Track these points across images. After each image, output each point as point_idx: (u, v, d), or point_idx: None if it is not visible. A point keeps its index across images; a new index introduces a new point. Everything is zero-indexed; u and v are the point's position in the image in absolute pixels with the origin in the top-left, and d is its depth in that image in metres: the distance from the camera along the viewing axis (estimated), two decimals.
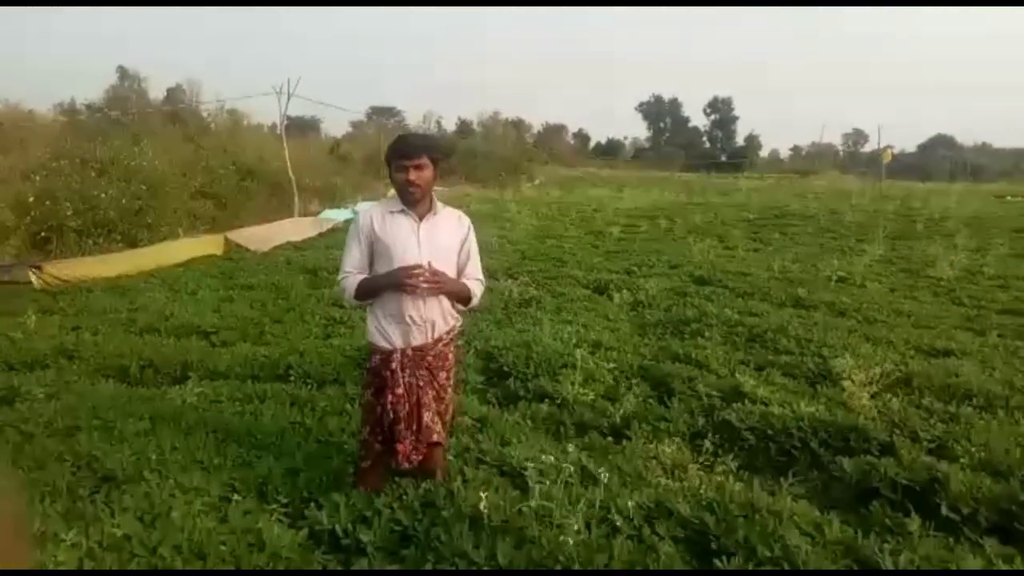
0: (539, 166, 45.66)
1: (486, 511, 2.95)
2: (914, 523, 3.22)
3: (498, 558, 2.67)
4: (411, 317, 3.10)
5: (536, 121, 71.15)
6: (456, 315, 3.32)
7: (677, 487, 3.54)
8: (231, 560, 2.74)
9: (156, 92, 40.81)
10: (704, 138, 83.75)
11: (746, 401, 4.75)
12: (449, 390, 3.30)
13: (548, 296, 8.61)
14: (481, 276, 3.38)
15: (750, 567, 2.64)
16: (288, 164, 17.37)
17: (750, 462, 4.16)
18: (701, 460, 4.00)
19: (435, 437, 3.16)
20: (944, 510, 3.38)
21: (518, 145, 49.40)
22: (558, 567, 2.59)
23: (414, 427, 3.12)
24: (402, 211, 3.15)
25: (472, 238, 3.35)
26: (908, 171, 57.74)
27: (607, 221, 17.69)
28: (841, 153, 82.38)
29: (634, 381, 5.42)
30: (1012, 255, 12.61)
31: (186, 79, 47.12)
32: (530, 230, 15.61)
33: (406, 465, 3.15)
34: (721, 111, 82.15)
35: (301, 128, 37.74)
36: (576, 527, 2.86)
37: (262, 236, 13.38)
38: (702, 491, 3.43)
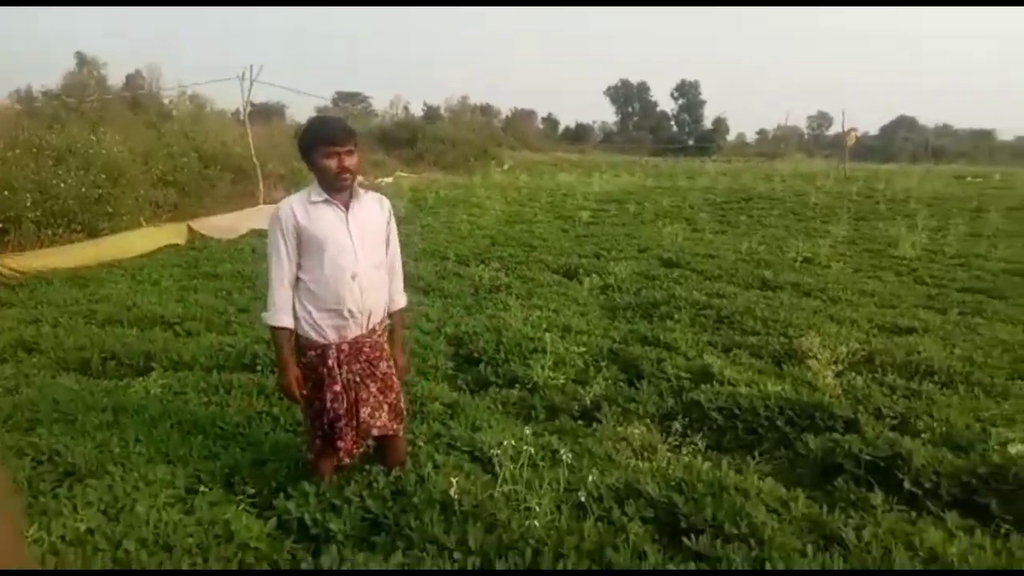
0: (508, 151, 45.48)
1: (456, 496, 2.94)
2: (877, 498, 3.28)
3: (469, 543, 2.67)
4: (350, 311, 3.00)
5: (504, 106, 70.90)
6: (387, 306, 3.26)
7: (646, 468, 3.56)
8: (198, 552, 2.70)
9: (115, 79, 39.85)
10: (672, 122, 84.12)
11: (714, 382, 4.80)
12: (395, 379, 3.22)
13: (518, 281, 8.60)
14: (400, 269, 3.33)
15: (718, 544, 2.67)
16: (252, 150, 17.09)
17: (718, 441, 4.21)
18: (670, 441, 4.03)
19: (376, 431, 3.11)
20: (907, 484, 3.44)
21: (486, 130, 49.13)
22: (528, 550, 2.60)
23: (353, 423, 3.07)
24: (325, 200, 2.99)
25: (393, 224, 3.26)
26: (871, 153, 58.67)
27: (576, 206, 17.71)
28: (806, 136, 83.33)
29: (604, 364, 5.45)
30: (971, 234, 12.89)
31: (146, 65, 46.11)
32: (499, 216, 15.57)
33: (347, 461, 3.15)
34: (688, 95, 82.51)
35: (266, 114, 37.10)
36: (546, 510, 2.86)
37: (227, 224, 13.17)
38: (671, 471, 3.45)
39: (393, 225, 3.26)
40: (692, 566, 2.56)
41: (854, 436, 3.86)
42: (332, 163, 2.93)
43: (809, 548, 2.71)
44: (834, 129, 70.53)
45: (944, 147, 65.59)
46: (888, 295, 8.20)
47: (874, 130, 76.15)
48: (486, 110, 64.17)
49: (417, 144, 35.39)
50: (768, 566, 2.52)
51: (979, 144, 68.94)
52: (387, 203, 3.26)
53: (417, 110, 57.18)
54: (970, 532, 3.01)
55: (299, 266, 3.01)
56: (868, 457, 3.63)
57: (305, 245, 2.98)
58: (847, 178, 26.79)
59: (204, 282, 8.55)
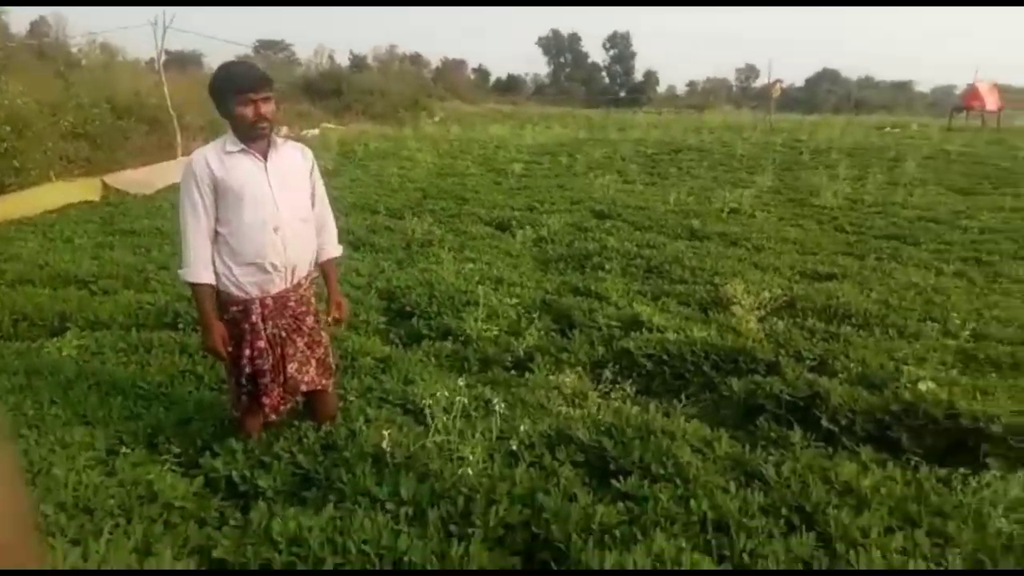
0: (439, 102, 44.65)
1: (389, 449, 2.93)
2: (796, 435, 3.43)
3: (401, 493, 2.67)
4: (273, 264, 2.90)
5: (434, 56, 69.44)
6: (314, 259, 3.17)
7: (577, 414, 3.62)
8: (120, 513, 2.62)
9: (18, 26, 37.31)
10: (604, 74, 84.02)
11: (644, 330, 4.89)
12: (322, 333, 3.17)
13: (450, 234, 8.53)
14: (332, 218, 3.25)
15: (645, 484, 2.74)
16: (168, 101, 16.31)
17: (647, 387, 4.31)
18: (601, 387, 4.11)
19: (304, 387, 3.06)
20: (824, 422, 3.61)
21: (416, 81, 48.01)
22: (460, 498, 2.62)
23: (280, 379, 3.00)
24: (242, 150, 2.86)
25: (317, 174, 3.15)
26: (797, 105, 59.97)
27: (509, 158, 17.57)
28: (734, 88, 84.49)
29: (536, 315, 5.48)
30: (889, 183, 13.34)
31: (51, 12, 43.25)
32: (431, 168, 15.34)
33: (274, 417, 3.08)
34: (620, 46, 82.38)
35: (181, 63, 35.30)
36: (478, 458, 2.88)
37: (143, 178, 12.61)
38: (601, 416, 3.52)
39: (317, 175, 3.16)
40: (620, 506, 2.62)
41: (775, 378, 4.01)
42: (248, 111, 2.80)
43: (732, 484, 2.82)
44: (761, 81, 71.76)
45: (866, 98, 67.48)
46: (809, 243, 8.46)
47: (799, 82, 77.94)
48: (415, 60, 62.75)
49: (344, 95, 34.38)
50: (693, 503, 2.60)
51: (898, 95, 71.37)
52: (309, 152, 3.14)
53: (343, 59, 55.51)
54: (883, 465, 3.18)
55: (217, 219, 2.89)
56: (788, 397, 3.78)
57: (222, 197, 2.85)
58: (773, 130, 27.31)
59: (121, 239, 8.20)
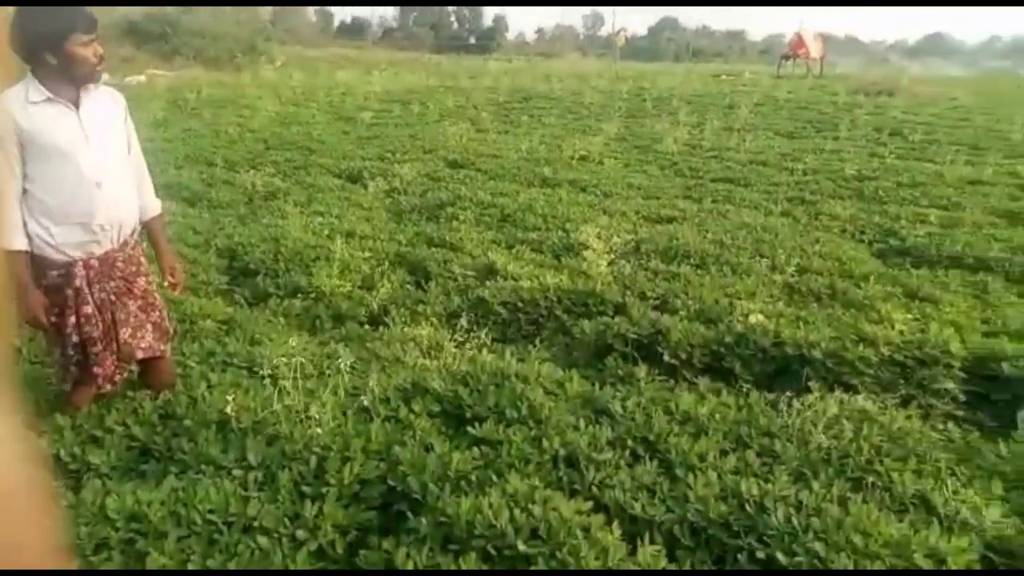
0: (278, 46, 42.28)
1: (234, 414, 2.81)
2: (642, 371, 3.61)
3: (248, 459, 2.57)
4: (100, 225, 2.67)
5: None
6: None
7: (433, 365, 3.62)
8: None
9: None
10: (452, 19, 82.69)
11: (499, 278, 4.94)
12: (156, 296, 2.97)
13: (296, 187, 8.19)
14: (146, 169, 3.01)
15: (500, 428, 2.79)
16: None
17: (503, 334, 4.38)
18: (456, 337, 4.11)
19: (141, 354, 2.88)
20: (667, 357, 3.82)
21: (253, 24, 45.09)
22: (313, 458, 2.55)
23: (113, 346, 2.80)
24: (48, 99, 2.59)
25: (130, 121, 2.92)
26: (640, 54, 61.87)
27: (358, 106, 17.00)
28: (581, 36, 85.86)
29: (391, 268, 5.39)
30: (724, 128, 14.09)
31: None
32: (272, 117, 14.57)
33: (108, 388, 2.87)
34: None
35: None
36: (330, 417, 2.82)
37: None
38: (457, 366, 3.54)
39: (131, 122, 2.90)
40: (476, 451, 2.66)
41: (622, 318, 4.18)
42: (89, 52, 2.55)
43: (582, 422, 2.93)
44: (607, 29, 73.38)
45: (703, 47, 70.73)
46: (653, 188, 8.81)
47: (643, 31, 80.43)
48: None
49: (171, 38, 31.82)
50: (545, 443, 2.68)
51: (733, 44, 75.35)
52: (121, 97, 2.88)
53: None
54: (718, 393, 3.42)
55: (25, 176, 2.60)
56: (634, 336, 3.96)
57: (31, 152, 2.56)
58: (618, 78, 28.04)
59: None
